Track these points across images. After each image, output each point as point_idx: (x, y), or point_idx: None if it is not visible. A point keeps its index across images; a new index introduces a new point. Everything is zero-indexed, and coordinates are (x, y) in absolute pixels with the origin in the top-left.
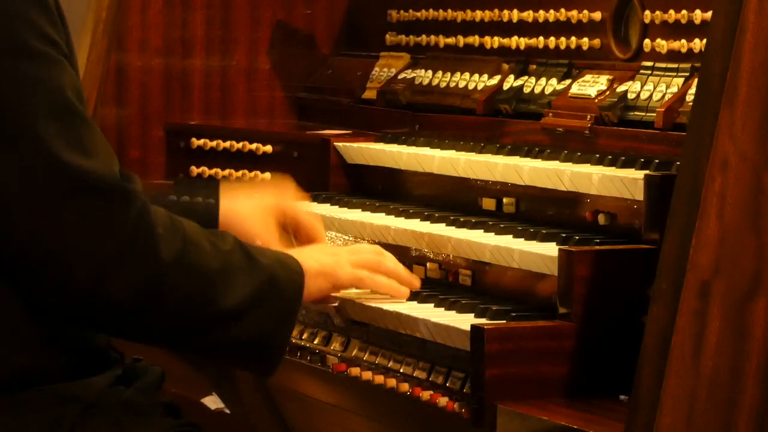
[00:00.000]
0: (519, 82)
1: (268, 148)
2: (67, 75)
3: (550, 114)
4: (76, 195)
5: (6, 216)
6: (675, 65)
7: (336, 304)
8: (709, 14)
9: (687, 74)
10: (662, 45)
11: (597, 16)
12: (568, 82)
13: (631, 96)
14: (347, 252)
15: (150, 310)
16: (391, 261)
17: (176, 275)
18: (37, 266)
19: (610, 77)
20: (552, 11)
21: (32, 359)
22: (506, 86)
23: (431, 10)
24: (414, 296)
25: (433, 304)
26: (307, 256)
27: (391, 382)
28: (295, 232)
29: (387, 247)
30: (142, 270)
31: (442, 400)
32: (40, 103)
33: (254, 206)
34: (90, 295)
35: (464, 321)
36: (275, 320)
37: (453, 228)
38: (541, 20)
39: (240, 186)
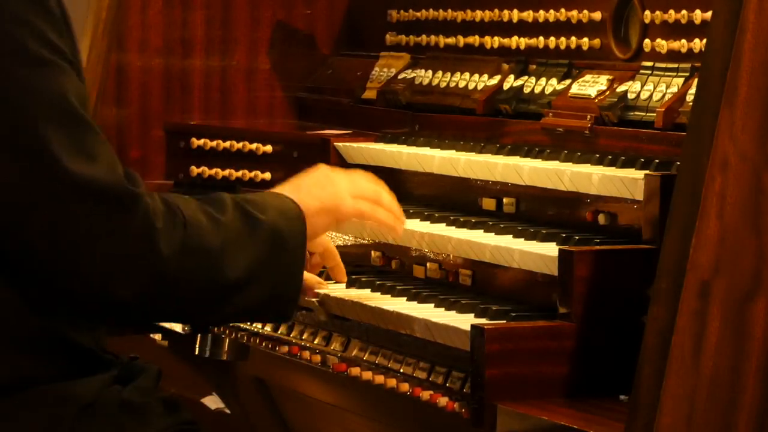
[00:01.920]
0: (519, 82)
1: (268, 148)
2: (70, 81)
3: (550, 114)
4: (80, 201)
5: (10, 221)
6: (675, 65)
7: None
8: (709, 14)
9: (687, 74)
10: (662, 45)
11: (597, 16)
12: (568, 82)
13: (631, 96)
14: (346, 181)
15: (158, 302)
16: (387, 193)
17: (180, 264)
18: (44, 271)
19: (610, 77)
20: (552, 11)
21: (28, 361)
22: (506, 86)
23: (431, 10)
24: (414, 296)
25: (433, 304)
26: (306, 193)
27: (391, 382)
28: None
29: (387, 247)
30: (146, 270)
31: (442, 400)
32: (42, 108)
33: None
34: (97, 298)
35: (464, 321)
36: (284, 274)
37: (453, 228)
38: (541, 20)
39: None
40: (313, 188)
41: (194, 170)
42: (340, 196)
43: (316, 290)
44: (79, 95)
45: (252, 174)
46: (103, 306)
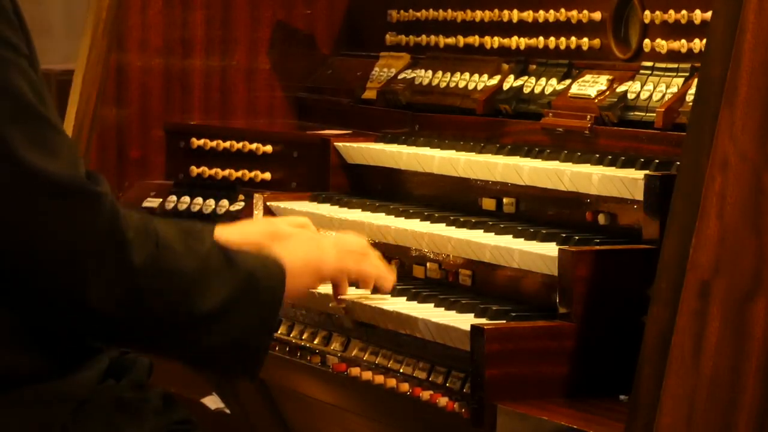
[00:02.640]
0: (519, 82)
1: (268, 148)
2: (26, 77)
3: (550, 114)
4: (45, 198)
5: None
6: (675, 65)
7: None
8: (709, 14)
9: (687, 74)
10: (662, 45)
11: (597, 16)
12: (568, 82)
13: (631, 96)
14: (331, 239)
15: (127, 316)
16: (374, 255)
17: (150, 280)
18: (15, 272)
19: (610, 77)
20: (552, 11)
21: (16, 356)
22: (506, 86)
23: (431, 10)
24: (414, 296)
25: (433, 304)
26: (290, 252)
27: (391, 382)
28: None
29: (387, 247)
30: (116, 274)
31: (442, 400)
32: (0, 107)
33: (247, 231)
34: (69, 300)
35: (464, 321)
36: (255, 323)
37: (453, 228)
38: (541, 20)
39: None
40: (298, 248)
41: (194, 170)
42: (324, 253)
43: (340, 296)
44: (36, 91)
45: (252, 174)
46: (80, 312)
